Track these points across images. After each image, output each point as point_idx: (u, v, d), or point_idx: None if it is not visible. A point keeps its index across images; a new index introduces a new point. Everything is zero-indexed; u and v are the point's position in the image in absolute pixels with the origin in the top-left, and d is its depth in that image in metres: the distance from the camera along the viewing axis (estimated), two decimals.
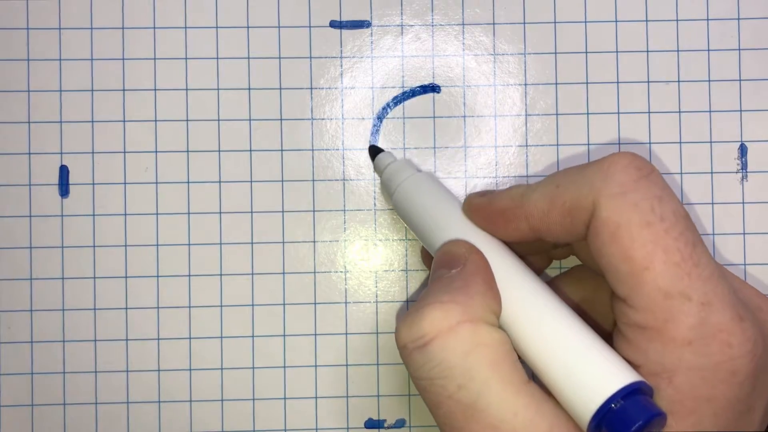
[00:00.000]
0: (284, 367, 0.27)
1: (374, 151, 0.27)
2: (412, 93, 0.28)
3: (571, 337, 0.19)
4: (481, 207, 0.22)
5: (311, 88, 0.28)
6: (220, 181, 0.27)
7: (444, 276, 0.20)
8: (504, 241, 0.22)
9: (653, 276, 0.18)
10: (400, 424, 0.27)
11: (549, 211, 0.20)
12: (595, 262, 0.19)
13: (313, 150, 0.28)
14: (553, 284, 0.23)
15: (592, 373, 0.18)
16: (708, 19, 0.28)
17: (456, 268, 0.20)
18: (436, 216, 0.23)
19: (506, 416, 0.18)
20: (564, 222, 0.19)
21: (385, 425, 0.27)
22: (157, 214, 0.27)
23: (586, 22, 0.28)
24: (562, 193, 0.19)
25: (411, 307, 0.19)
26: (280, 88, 0.28)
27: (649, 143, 0.28)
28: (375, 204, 0.27)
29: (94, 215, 0.27)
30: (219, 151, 0.28)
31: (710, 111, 0.28)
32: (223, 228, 0.27)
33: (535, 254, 0.24)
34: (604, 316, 0.22)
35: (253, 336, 0.27)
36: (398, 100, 0.28)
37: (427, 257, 0.26)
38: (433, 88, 0.28)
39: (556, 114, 0.28)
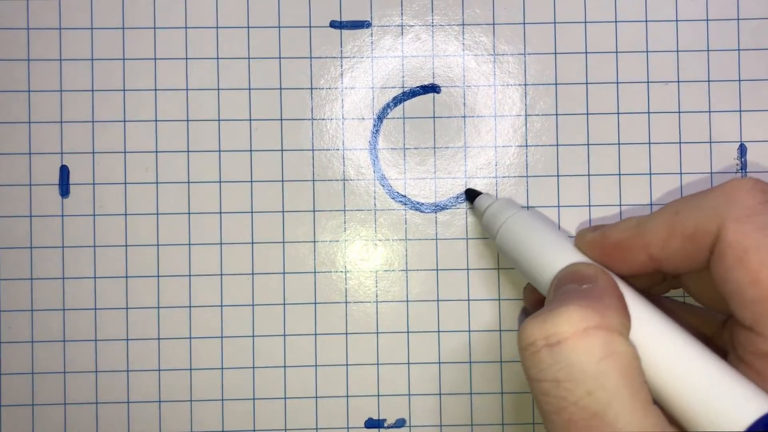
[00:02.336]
0: (284, 367, 0.27)
1: (472, 194, 0.27)
2: (412, 93, 0.28)
3: (704, 364, 0.18)
4: (595, 241, 0.21)
5: (311, 88, 0.28)
6: (220, 181, 0.28)
7: (576, 289, 0.20)
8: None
9: None
10: (400, 424, 0.27)
11: (669, 239, 0.19)
12: (707, 294, 0.19)
13: (313, 150, 0.28)
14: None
15: (729, 400, 0.17)
16: (708, 20, 0.28)
17: (587, 284, 0.20)
18: (547, 249, 0.22)
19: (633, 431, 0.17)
20: (685, 249, 0.19)
21: (385, 425, 0.27)
22: (157, 214, 0.27)
23: (585, 22, 0.28)
24: (683, 219, 0.19)
25: (537, 312, 0.19)
26: (281, 88, 0.28)
27: (649, 143, 0.28)
28: (375, 204, 0.28)
29: (94, 215, 0.27)
30: (219, 151, 0.28)
31: (710, 111, 0.28)
32: (223, 228, 0.27)
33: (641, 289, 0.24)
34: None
35: (253, 336, 0.27)
36: (398, 100, 0.28)
37: (531, 294, 0.25)
38: (433, 88, 0.28)
39: (556, 114, 0.28)
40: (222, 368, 0.27)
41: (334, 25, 0.28)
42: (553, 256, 0.22)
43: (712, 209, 0.18)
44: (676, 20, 0.28)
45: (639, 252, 0.20)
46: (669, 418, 0.18)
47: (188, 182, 0.27)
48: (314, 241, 0.27)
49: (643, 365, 0.19)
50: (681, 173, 0.28)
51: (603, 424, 0.17)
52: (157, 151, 0.27)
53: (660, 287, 0.23)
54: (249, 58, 0.28)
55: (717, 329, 0.21)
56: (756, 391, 0.17)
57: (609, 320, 0.18)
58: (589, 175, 0.28)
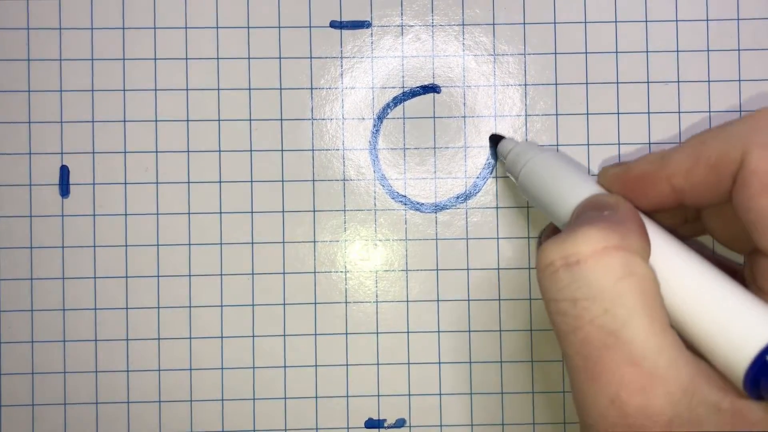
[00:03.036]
0: (284, 367, 0.27)
1: (496, 139, 0.27)
2: (412, 93, 0.28)
3: (722, 289, 0.18)
4: (617, 175, 0.21)
5: (311, 88, 0.28)
6: (220, 181, 0.28)
7: (596, 215, 0.19)
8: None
9: None
10: (400, 424, 0.27)
11: (693, 169, 0.19)
12: (728, 231, 0.18)
13: (313, 150, 0.28)
14: None
15: (747, 322, 0.17)
16: (708, 20, 0.28)
17: (608, 211, 0.19)
18: (569, 185, 0.22)
19: (650, 352, 0.17)
20: (708, 178, 0.19)
21: (385, 425, 0.27)
22: (157, 214, 0.27)
23: (585, 22, 0.28)
24: (707, 148, 0.19)
25: (561, 232, 0.19)
26: (281, 88, 0.28)
27: (649, 143, 0.28)
28: (375, 204, 0.28)
29: (94, 215, 0.27)
30: (219, 151, 0.28)
31: (710, 111, 0.28)
32: (223, 228, 0.27)
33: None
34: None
35: (253, 336, 0.27)
36: (398, 100, 0.28)
37: (553, 233, 0.25)
38: (433, 88, 0.28)
39: (556, 114, 0.28)
40: (222, 368, 0.27)
41: (334, 25, 0.28)
42: (574, 190, 0.22)
43: (736, 137, 0.18)
44: (676, 20, 0.28)
45: (662, 184, 0.20)
46: (686, 345, 0.18)
47: (188, 182, 0.27)
48: (314, 241, 0.27)
49: (662, 291, 0.18)
50: None
51: (618, 343, 0.17)
52: (157, 151, 0.27)
53: (683, 229, 0.23)
54: (249, 58, 0.28)
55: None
56: None
57: (629, 242, 0.18)
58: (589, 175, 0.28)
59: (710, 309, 0.18)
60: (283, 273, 0.27)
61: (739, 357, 0.17)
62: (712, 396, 0.17)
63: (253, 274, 0.27)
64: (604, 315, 0.17)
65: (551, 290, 0.18)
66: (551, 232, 0.25)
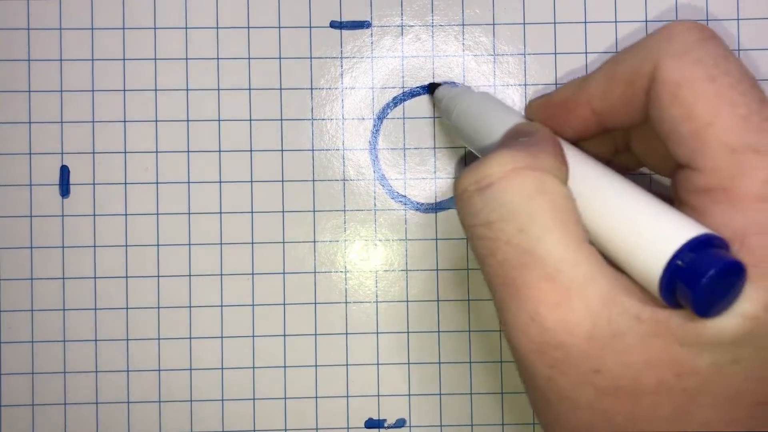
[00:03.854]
0: (284, 367, 0.27)
1: (435, 86, 0.27)
2: (412, 93, 0.28)
3: (637, 202, 0.18)
4: (541, 104, 0.21)
5: (311, 88, 0.28)
6: (220, 181, 0.28)
7: (513, 141, 0.20)
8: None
9: (718, 131, 0.16)
10: (400, 424, 0.27)
11: (609, 88, 0.19)
12: (653, 155, 0.18)
13: (313, 150, 0.28)
14: None
15: (660, 230, 0.17)
16: (708, 20, 0.28)
17: (525, 137, 0.19)
18: (497, 119, 0.22)
19: (565, 266, 0.17)
20: (625, 96, 0.18)
21: (385, 425, 0.27)
22: (157, 214, 0.27)
23: (585, 22, 0.28)
24: (622, 65, 0.19)
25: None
26: (280, 88, 0.28)
27: None
28: (375, 204, 0.28)
29: (94, 215, 0.27)
30: (219, 151, 0.28)
31: None
32: (223, 228, 0.27)
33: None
34: None
35: (253, 336, 0.27)
36: (398, 100, 0.28)
37: None
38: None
39: None
40: (222, 368, 0.27)
41: (334, 25, 0.28)
42: (502, 124, 0.22)
43: (647, 50, 0.18)
44: (676, 20, 0.28)
45: (582, 108, 0.20)
46: (608, 261, 0.18)
47: (188, 182, 0.27)
48: (314, 241, 0.27)
49: (581, 209, 0.18)
50: None
51: (534, 260, 0.17)
52: (157, 151, 0.27)
53: (617, 159, 0.23)
54: (249, 58, 0.28)
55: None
56: (686, 220, 0.17)
57: (541, 162, 0.18)
58: None
59: (625, 222, 0.18)
60: (283, 273, 0.27)
61: (654, 265, 0.16)
62: (632, 307, 0.16)
63: (253, 274, 0.27)
64: (519, 234, 0.17)
65: (467, 216, 0.18)
66: None
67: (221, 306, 0.27)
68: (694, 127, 0.17)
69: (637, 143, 0.22)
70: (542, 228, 0.17)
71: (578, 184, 0.19)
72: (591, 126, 0.20)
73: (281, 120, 0.28)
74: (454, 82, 0.27)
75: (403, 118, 0.28)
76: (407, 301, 0.27)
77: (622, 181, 0.19)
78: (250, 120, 0.28)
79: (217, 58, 0.28)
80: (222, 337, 0.27)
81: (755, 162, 0.16)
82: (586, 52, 0.28)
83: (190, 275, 0.27)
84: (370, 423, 0.27)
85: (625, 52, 0.19)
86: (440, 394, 0.27)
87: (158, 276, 0.27)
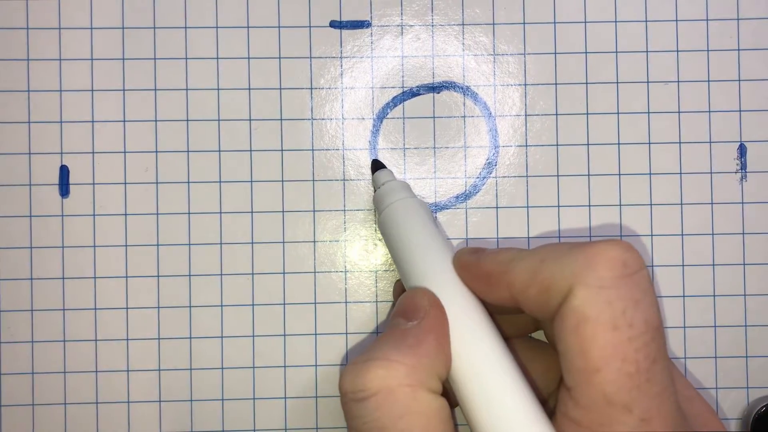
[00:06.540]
0: (284, 367, 0.27)
1: (375, 166, 0.26)
2: (412, 93, 0.28)
3: (510, 407, 0.19)
4: (469, 265, 0.21)
5: (311, 88, 0.28)
6: (220, 181, 0.28)
7: (399, 326, 0.20)
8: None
9: (602, 380, 0.17)
10: None
11: (529, 285, 0.19)
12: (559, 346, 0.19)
13: (313, 150, 0.28)
14: (515, 345, 0.23)
15: None
16: (707, 20, 0.28)
17: (413, 321, 0.20)
18: (419, 253, 0.22)
19: None
20: (540, 298, 0.19)
21: None
22: (157, 214, 0.27)
23: (585, 22, 0.28)
24: (545, 269, 0.19)
25: (360, 354, 0.20)
26: (280, 88, 0.28)
27: (649, 143, 0.28)
28: None
29: (94, 215, 0.27)
30: (219, 151, 0.28)
31: (710, 111, 0.28)
32: (223, 228, 0.27)
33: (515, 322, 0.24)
34: (548, 393, 0.22)
35: (253, 336, 0.27)
36: (398, 100, 0.28)
37: (399, 291, 0.26)
38: (433, 88, 0.28)
39: (556, 114, 0.28)
40: (222, 368, 0.27)
41: (334, 25, 0.28)
42: (422, 262, 0.22)
43: (569, 268, 0.18)
44: (676, 20, 0.28)
45: (503, 289, 0.20)
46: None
47: (188, 182, 0.27)
48: (314, 241, 0.27)
49: (459, 397, 0.19)
50: (681, 173, 0.28)
51: None
52: (157, 151, 0.27)
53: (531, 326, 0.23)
54: (249, 58, 0.28)
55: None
56: None
57: (416, 376, 0.19)
58: (589, 175, 0.28)
59: (492, 418, 0.18)
60: (283, 273, 0.27)
61: None
62: None
63: (253, 274, 0.27)
64: None
65: (347, 417, 0.19)
66: (398, 288, 0.26)
67: (221, 306, 0.27)
68: (584, 366, 0.17)
69: (547, 328, 0.22)
70: None
71: (463, 367, 0.20)
72: (509, 306, 0.20)
73: (281, 120, 0.28)
74: (393, 175, 0.26)
75: (403, 118, 0.28)
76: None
77: (509, 373, 0.19)
78: (250, 120, 0.28)
79: (217, 58, 0.28)
80: (222, 337, 0.27)
81: (624, 419, 0.17)
82: (586, 52, 0.28)
83: (190, 275, 0.27)
84: None
85: (552, 255, 0.19)
86: None
87: (158, 276, 0.27)
